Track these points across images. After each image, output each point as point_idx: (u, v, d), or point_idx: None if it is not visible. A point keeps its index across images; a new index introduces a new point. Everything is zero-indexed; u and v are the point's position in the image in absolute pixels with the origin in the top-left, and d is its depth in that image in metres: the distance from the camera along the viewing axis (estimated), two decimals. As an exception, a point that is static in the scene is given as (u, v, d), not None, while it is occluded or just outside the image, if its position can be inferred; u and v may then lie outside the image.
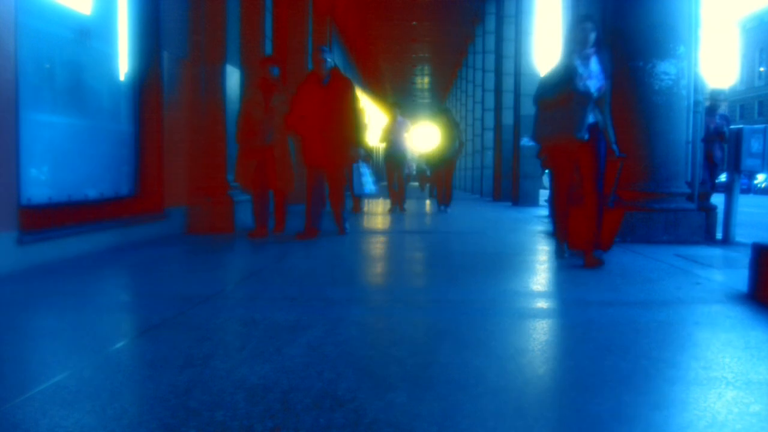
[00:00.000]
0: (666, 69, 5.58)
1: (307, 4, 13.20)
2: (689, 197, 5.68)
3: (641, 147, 5.62)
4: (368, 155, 9.00)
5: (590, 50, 4.12)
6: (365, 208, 10.57)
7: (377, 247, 5.90)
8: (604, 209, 4.23)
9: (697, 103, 5.79)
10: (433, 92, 32.84)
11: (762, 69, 46.41)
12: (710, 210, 5.70)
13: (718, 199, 5.96)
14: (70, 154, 4.96)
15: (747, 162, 5.58)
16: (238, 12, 6.91)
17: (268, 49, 9.87)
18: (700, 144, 5.90)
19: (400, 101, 11.96)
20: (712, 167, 8.54)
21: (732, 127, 5.85)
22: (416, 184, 22.42)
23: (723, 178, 7.03)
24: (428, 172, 14.77)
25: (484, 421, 1.59)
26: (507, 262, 4.72)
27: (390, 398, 1.74)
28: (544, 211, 9.91)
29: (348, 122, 5.77)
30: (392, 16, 17.33)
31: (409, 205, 11.20)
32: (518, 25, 12.38)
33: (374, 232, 7.09)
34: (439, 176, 10.66)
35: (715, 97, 8.90)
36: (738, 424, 1.58)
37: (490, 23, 15.97)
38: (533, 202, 12.00)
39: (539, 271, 4.38)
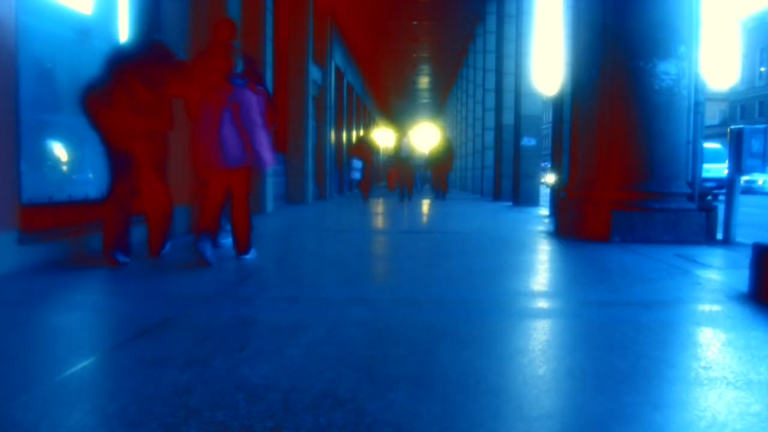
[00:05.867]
0: (666, 69, 5.57)
1: (308, 5, 13.21)
2: (689, 197, 5.67)
3: (641, 147, 5.62)
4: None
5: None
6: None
7: (377, 246, 5.91)
8: None
9: (697, 103, 5.77)
10: (434, 92, 32.80)
11: (763, 69, 46.34)
12: (711, 210, 5.69)
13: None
14: (71, 153, 4.97)
15: (747, 162, 5.57)
16: (238, 12, 6.92)
17: (269, 48, 9.88)
18: (700, 144, 5.89)
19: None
20: None
21: (732, 126, 5.83)
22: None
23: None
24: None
25: (484, 421, 1.59)
26: (507, 261, 4.72)
27: (390, 398, 1.73)
28: (544, 211, 9.91)
29: None
30: (393, 16, 17.32)
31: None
32: (519, 25, 12.37)
33: (373, 232, 7.09)
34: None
35: None
36: (738, 425, 1.58)
37: (491, 23, 15.96)
38: (534, 201, 12.00)
39: (539, 271, 4.39)
